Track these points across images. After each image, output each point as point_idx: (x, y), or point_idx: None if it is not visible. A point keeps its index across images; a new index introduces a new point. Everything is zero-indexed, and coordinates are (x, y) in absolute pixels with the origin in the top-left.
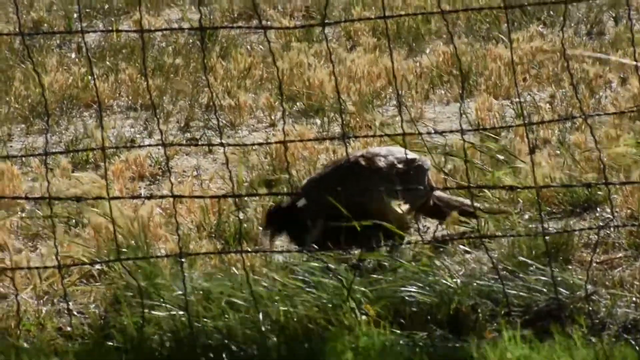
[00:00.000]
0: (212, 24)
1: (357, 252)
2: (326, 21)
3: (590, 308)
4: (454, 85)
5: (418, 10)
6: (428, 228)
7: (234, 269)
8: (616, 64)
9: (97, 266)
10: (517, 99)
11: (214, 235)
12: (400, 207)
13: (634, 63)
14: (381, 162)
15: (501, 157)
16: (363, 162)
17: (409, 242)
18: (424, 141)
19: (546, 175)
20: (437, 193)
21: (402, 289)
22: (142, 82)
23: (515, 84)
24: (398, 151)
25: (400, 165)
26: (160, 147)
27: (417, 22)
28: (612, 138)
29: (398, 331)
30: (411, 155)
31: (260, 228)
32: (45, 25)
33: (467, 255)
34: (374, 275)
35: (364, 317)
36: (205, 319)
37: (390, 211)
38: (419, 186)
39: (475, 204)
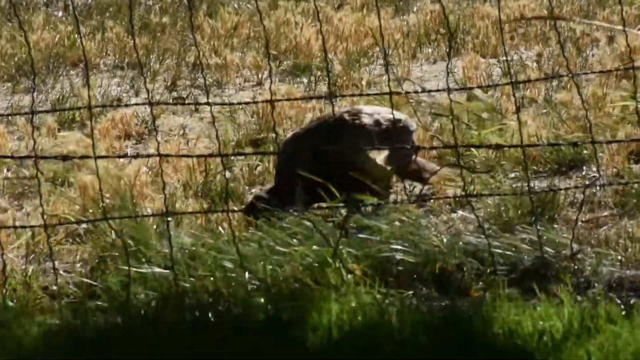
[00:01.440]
0: None
1: (343, 211)
2: None
3: (576, 267)
4: (441, 43)
5: None
6: (414, 187)
7: (220, 228)
8: (602, 26)
9: (83, 225)
10: (504, 58)
11: (200, 194)
12: (379, 157)
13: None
14: (366, 119)
15: (488, 116)
16: (347, 118)
17: (395, 202)
18: (411, 99)
19: (532, 134)
20: (420, 159)
21: (388, 248)
22: (129, 41)
23: (502, 42)
24: (384, 110)
25: (385, 124)
26: (146, 106)
27: None
28: (598, 97)
29: (384, 290)
30: (397, 115)
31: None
32: None
33: (453, 215)
34: (361, 236)
35: (350, 276)
36: (191, 278)
37: (373, 168)
38: (403, 145)
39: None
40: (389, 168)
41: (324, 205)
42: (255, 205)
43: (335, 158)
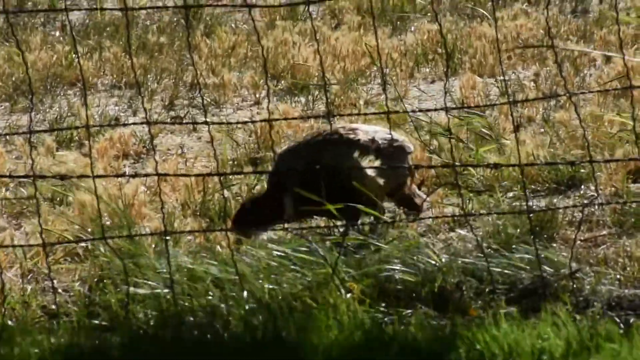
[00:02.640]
0: (197, 1)
1: (341, 229)
2: None
3: (575, 286)
4: (439, 63)
5: None
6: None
7: (218, 247)
8: (601, 42)
9: (82, 244)
10: (502, 77)
11: (198, 213)
12: (372, 172)
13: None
14: (361, 135)
15: (486, 135)
16: (342, 132)
17: (393, 221)
18: (409, 117)
19: (530, 153)
20: (414, 187)
21: (387, 267)
22: (127, 61)
23: (499, 62)
24: (381, 130)
25: (380, 142)
26: (144, 125)
27: (401, 0)
28: (596, 116)
29: (383, 309)
30: (395, 135)
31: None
32: (30, 3)
33: (452, 234)
34: (358, 255)
35: (348, 295)
36: (190, 297)
37: (367, 183)
38: (398, 164)
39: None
40: (382, 183)
41: (321, 224)
42: (241, 219)
43: (328, 172)
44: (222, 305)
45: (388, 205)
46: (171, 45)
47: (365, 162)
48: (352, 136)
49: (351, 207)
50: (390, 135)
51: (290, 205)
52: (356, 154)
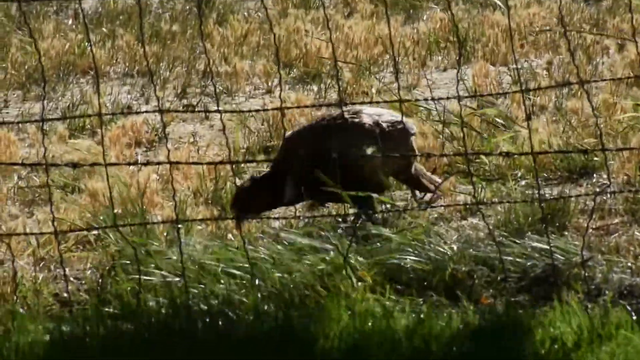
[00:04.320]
0: None
1: (352, 217)
2: None
3: (586, 274)
4: (451, 51)
5: None
6: (424, 195)
7: (230, 235)
8: (614, 31)
9: (94, 232)
10: (514, 66)
11: (210, 201)
12: (373, 150)
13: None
14: (365, 119)
15: (499, 123)
16: (347, 116)
17: (405, 209)
18: (423, 106)
19: (543, 141)
20: (418, 166)
21: (398, 255)
22: (139, 49)
23: (512, 50)
24: (386, 112)
25: (384, 125)
26: (157, 113)
27: None
28: (609, 104)
29: (394, 297)
30: (397, 117)
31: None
32: None
33: (464, 222)
34: (370, 243)
35: (360, 283)
36: (201, 286)
37: (370, 168)
38: (402, 149)
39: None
40: (383, 167)
41: (333, 212)
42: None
43: (332, 158)
44: (234, 294)
45: (400, 193)
46: (183, 33)
47: (368, 149)
48: (356, 120)
49: (364, 196)
50: (393, 117)
51: (292, 189)
52: (360, 140)
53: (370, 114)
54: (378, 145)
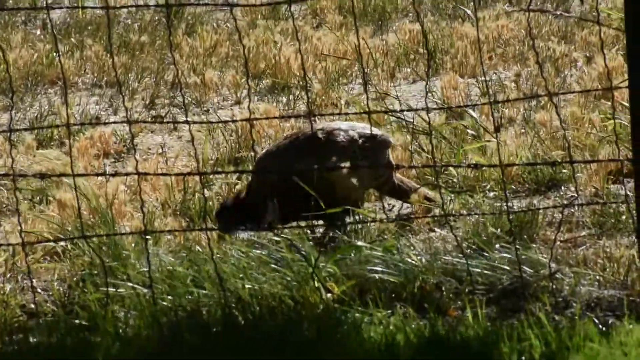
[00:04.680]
0: (178, 0)
1: (321, 229)
2: None
3: (554, 286)
4: (420, 63)
5: None
6: (393, 206)
7: (198, 247)
8: (582, 43)
9: (62, 243)
10: (483, 78)
11: (179, 212)
12: (352, 176)
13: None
14: (340, 137)
15: (468, 134)
16: (320, 135)
17: (373, 220)
18: (394, 117)
19: (511, 153)
20: (399, 176)
21: (367, 267)
22: (108, 59)
23: (481, 62)
24: (360, 126)
25: (361, 141)
26: (125, 124)
27: (383, 0)
28: (577, 117)
29: (363, 309)
30: (373, 130)
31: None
32: (11, 1)
33: (432, 234)
34: (339, 254)
35: (329, 295)
36: (170, 297)
37: (347, 186)
38: (379, 162)
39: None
40: (362, 183)
41: (302, 223)
42: (222, 216)
43: (307, 176)
44: (202, 305)
45: (368, 204)
46: (152, 44)
47: (344, 169)
48: (331, 138)
49: (336, 212)
50: (369, 131)
51: (271, 213)
52: (335, 158)
53: (345, 129)
54: (354, 161)
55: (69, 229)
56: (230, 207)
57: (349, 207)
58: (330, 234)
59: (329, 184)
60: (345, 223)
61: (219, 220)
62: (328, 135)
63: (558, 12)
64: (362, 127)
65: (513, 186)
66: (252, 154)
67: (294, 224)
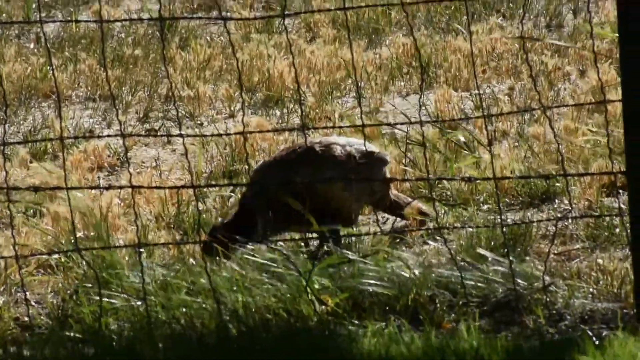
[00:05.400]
0: (172, 14)
1: (315, 242)
2: (286, 12)
3: (548, 299)
4: (414, 77)
5: (378, 2)
6: (387, 219)
7: (192, 259)
8: (575, 57)
9: (55, 256)
10: (477, 91)
11: (172, 225)
12: (348, 190)
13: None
14: (337, 151)
15: (463, 146)
16: (317, 149)
17: (367, 234)
18: (384, 130)
19: (505, 166)
20: (395, 192)
21: (361, 280)
22: (101, 73)
23: (474, 76)
24: (357, 142)
25: (357, 156)
26: (119, 137)
27: (376, 14)
28: (570, 130)
29: (357, 322)
30: (371, 147)
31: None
32: (4, 15)
33: (426, 247)
34: (333, 268)
35: (322, 307)
36: (163, 309)
37: (342, 200)
38: (375, 179)
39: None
40: (359, 200)
41: (296, 236)
42: (211, 242)
43: (303, 189)
44: (196, 318)
45: (362, 217)
46: (146, 57)
47: (339, 184)
48: (327, 152)
49: (331, 229)
50: (366, 148)
51: (262, 228)
52: (332, 173)
53: (342, 144)
54: (349, 176)
55: (63, 241)
56: (221, 227)
57: (341, 221)
58: (325, 248)
59: (323, 197)
60: (339, 237)
61: (206, 245)
62: (325, 149)
63: (548, 40)
64: (359, 144)
65: (507, 199)
66: (246, 167)
67: (287, 236)
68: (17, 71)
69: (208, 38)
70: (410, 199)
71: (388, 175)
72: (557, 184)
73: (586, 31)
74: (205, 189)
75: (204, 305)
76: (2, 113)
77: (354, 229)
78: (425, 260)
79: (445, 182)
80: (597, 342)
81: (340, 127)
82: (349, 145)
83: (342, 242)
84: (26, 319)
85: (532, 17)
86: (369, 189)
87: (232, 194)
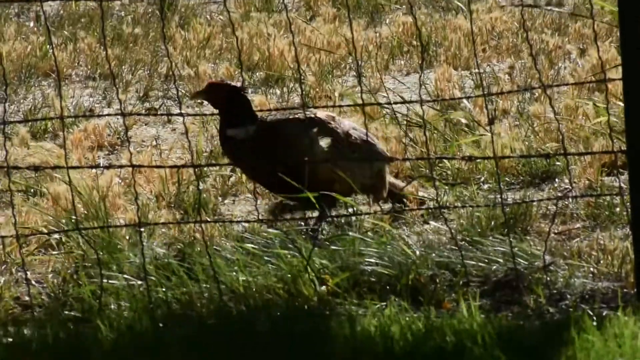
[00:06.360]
0: None
1: (314, 220)
2: None
3: (548, 278)
4: (414, 55)
5: None
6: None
7: (192, 239)
8: (575, 35)
9: (56, 236)
10: (477, 70)
11: (173, 205)
12: (324, 143)
13: None
14: (339, 129)
15: (463, 125)
16: (322, 117)
17: (367, 213)
18: (384, 110)
19: (505, 145)
20: (391, 180)
21: (361, 259)
22: (101, 52)
23: (474, 54)
24: (360, 129)
25: (355, 136)
26: (119, 116)
27: None
28: (571, 109)
29: (357, 301)
30: (371, 138)
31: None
32: None
33: (426, 226)
34: (333, 247)
35: (322, 287)
36: (163, 289)
37: (338, 175)
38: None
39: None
40: (355, 176)
41: (296, 216)
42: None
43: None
44: (197, 297)
45: (361, 197)
46: (146, 36)
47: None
48: (333, 126)
49: (326, 195)
50: (366, 137)
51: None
52: (325, 142)
53: (349, 126)
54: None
55: (63, 221)
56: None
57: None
58: (324, 226)
59: (313, 168)
60: (338, 215)
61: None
62: (328, 119)
63: (549, 8)
64: (361, 131)
65: (507, 178)
66: None
67: (288, 216)
68: (16, 50)
69: (208, 17)
70: (401, 183)
71: (387, 175)
72: (558, 163)
73: (586, 9)
74: (205, 168)
75: (204, 285)
76: (2, 92)
77: (354, 209)
78: (426, 240)
79: (445, 161)
80: (597, 322)
81: (340, 106)
82: (352, 128)
83: (342, 221)
84: (26, 298)
85: None
86: (366, 171)
87: (232, 173)
